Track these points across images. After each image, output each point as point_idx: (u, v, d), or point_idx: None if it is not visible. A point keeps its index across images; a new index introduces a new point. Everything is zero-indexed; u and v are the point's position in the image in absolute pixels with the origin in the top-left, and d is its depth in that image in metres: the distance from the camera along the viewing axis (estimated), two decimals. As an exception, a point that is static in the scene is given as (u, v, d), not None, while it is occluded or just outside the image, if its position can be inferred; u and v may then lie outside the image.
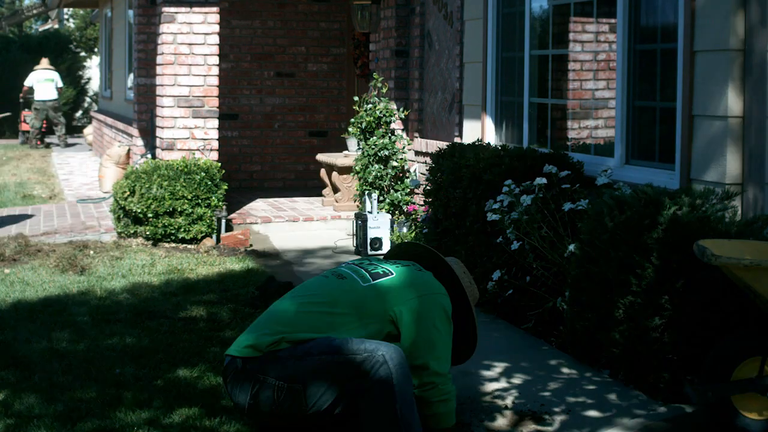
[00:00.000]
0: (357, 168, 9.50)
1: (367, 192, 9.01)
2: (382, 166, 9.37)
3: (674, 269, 4.73)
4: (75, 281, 7.35)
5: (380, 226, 8.68)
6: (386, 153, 9.34)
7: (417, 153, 9.52)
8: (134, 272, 7.69)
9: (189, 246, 8.97)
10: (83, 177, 14.70)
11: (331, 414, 3.91)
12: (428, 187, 7.69)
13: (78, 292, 7.00)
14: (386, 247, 8.67)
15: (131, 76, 14.56)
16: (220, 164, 9.49)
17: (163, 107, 9.62)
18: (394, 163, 9.37)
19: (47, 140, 21.72)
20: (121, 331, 5.99)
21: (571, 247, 5.54)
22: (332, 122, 13.05)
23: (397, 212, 9.29)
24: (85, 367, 5.24)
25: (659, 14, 6.41)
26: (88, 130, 20.91)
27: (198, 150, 9.59)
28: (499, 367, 5.42)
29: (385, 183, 9.33)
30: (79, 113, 27.76)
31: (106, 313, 6.43)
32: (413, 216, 8.75)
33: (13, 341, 5.75)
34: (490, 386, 5.06)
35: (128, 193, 9.06)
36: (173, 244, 9.00)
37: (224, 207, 9.39)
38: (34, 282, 7.30)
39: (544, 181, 6.05)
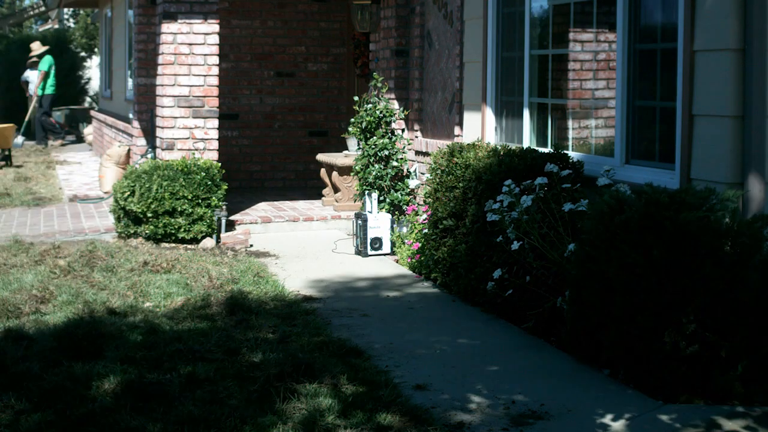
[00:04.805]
0: (357, 168, 9.51)
1: (367, 192, 9.02)
2: (382, 166, 9.37)
3: (675, 269, 4.73)
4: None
5: (380, 226, 8.68)
6: (386, 153, 9.34)
7: (417, 153, 9.52)
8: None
9: (189, 246, 8.97)
10: (83, 177, 14.70)
11: None
12: (428, 187, 7.69)
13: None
14: (386, 247, 8.68)
15: (131, 75, 14.57)
16: (220, 164, 9.49)
17: (163, 107, 9.62)
18: (394, 163, 9.37)
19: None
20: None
21: (571, 247, 5.54)
22: (332, 122, 13.06)
23: (397, 212, 9.29)
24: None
25: (659, 14, 6.41)
26: (88, 130, 20.90)
27: (197, 150, 9.59)
28: (499, 366, 5.42)
29: (386, 183, 9.34)
30: (79, 113, 27.76)
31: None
32: (413, 216, 8.76)
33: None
34: (490, 385, 5.06)
35: (128, 193, 9.06)
36: (173, 244, 9.00)
37: (224, 207, 9.40)
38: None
39: (544, 180, 6.06)
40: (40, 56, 21.01)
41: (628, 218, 4.94)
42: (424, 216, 7.96)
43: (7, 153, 16.50)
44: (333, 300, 7.01)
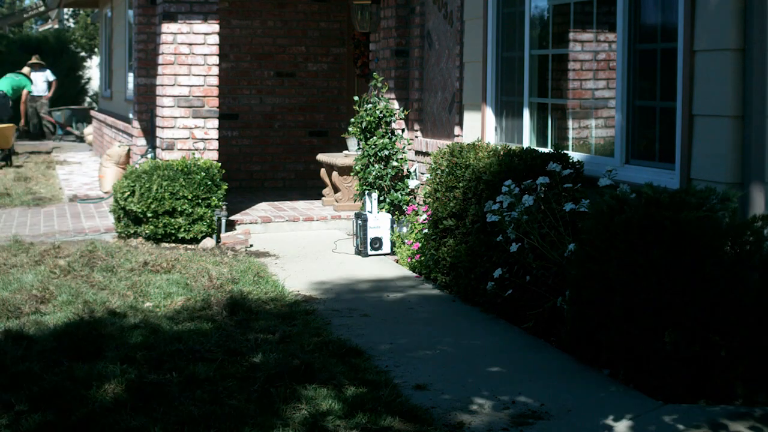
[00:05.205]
0: (357, 168, 9.51)
1: (367, 192, 9.02)
2: (382, 166, 9.37)
3: (675, 268, 4.73)
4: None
5: (380, 226, 8.68)
6: (386, 153, 9.34)
7: (417, 153, 9.52)
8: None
9: (189, 246, 8.97)
10: (83, 177, 14.71)
11: None
12: (428, 187, 7.69)
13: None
14: (386, 247, 8.68)
15: (131, 75, 14.57)
16: (220, 164, 9.50)
17: (163, 107, 9.62)
18: (394, 163, 9.37)
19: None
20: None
21: (571, 247, 5.54)
22: (332, 122, 13.06)
23: (397, 212, 9.30)
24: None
25: (659, 14, 6.41)
26: (88, 130, 20.91)
27: (197, 150, 9.59)
28: (499, 366, 5.42)
29: (385, 183, 9.34)
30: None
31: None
32: (413, 216, 8.76)
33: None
34: (491, 385, 5.06)
35: (128, 193, 9.06)
36: (173, 244, 9.00)
37: (224, 207, 9.39)
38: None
39: (546, 179, 6.06)
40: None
41: (628, 218, 4.94)
42: (424, 216, 7.97)
43: (7, 153, 16.52)
44: (333, 300, 7.01)
